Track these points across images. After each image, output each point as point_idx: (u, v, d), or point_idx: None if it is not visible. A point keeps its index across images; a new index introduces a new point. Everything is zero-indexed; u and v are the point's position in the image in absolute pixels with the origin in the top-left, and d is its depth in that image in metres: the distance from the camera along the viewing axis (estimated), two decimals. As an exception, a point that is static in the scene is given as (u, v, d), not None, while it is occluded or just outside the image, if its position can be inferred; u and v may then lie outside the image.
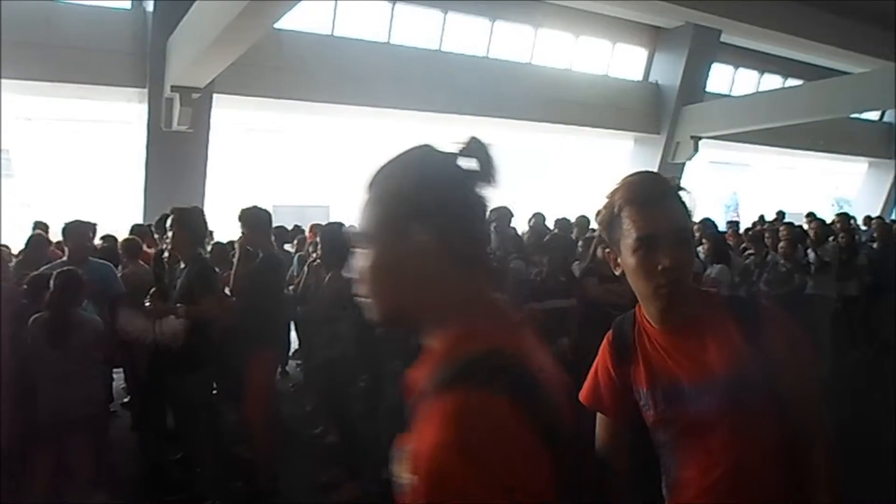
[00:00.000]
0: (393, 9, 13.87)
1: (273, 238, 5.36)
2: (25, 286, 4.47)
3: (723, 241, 6.92)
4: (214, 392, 4.95)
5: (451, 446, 0.90)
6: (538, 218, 7.75)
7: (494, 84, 14.30)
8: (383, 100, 13.17)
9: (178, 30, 9.86)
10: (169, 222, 4.44)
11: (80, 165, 13.61)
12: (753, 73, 19.44)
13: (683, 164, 16.64)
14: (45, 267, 4.77)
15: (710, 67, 17.24)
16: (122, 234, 6.87)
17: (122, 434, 5.54)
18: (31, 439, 3.93)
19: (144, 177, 11.46)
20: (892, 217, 18.50)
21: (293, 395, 6.85)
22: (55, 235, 6.00)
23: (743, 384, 1.57)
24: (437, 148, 1.14)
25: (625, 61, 17.25)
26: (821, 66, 17.97)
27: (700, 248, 6.36)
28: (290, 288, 6.07)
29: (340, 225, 5.26)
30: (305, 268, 5.88)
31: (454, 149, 1.14)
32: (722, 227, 9.33)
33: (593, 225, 7.78)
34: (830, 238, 8.34)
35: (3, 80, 10.10)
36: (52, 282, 3.98)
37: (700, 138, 16.48)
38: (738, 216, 18.84)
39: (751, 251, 7.93)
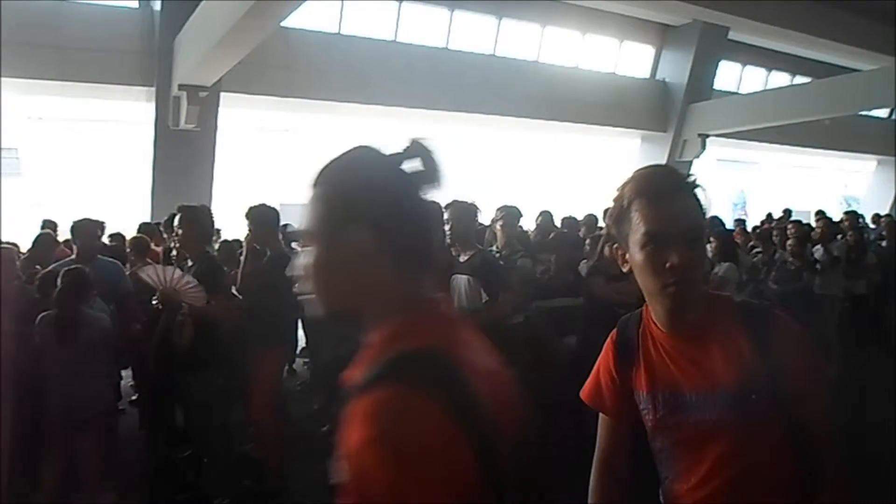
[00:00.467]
0: (400, 7, 13.88)
1: (281, 236, 5.36)
2: (38, 281, 4.48)
3: (731, 239, 6.90)
4: (222, 390, 4.96)
5: (372, 442, 0.92)
6: (545, 216, 7.74)
7: (501, 82, 14.30)
8: (390, 98, 13.18)
9: (186, 29, 9.88)
10: (177, 220, 4.45)
11: (89, 164, 13.64)
12: (761, 71, 19.39)
13: (691, 162, 16.58)
14: (54, 265, 4.80)
15: (717, 65, 17.20)
16: (129, 233, 6.90)
17: (130, 432, 5.56)
18: (40, 437, 3.94)
19: (152, 175, 11.50)
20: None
21: (301, 393, 6.86)
22: (64, 234, 6.02)
23: (747, 397, 1.50)
24: (378, 149, 1.16)
25: (632, 59, 17.23)
26: (829, 63, 17.89)
27: (708, 246, 6.34)
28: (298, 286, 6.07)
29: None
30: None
31: (396, 150, 1.16)
32: (729, 225, 9.31)
33: (601, 224, 7.78)
34: (839, 236, 8.30)
35: (13, 80, 10.17)
36: (59, 280, 4.00)
37: (708, 136, 16.44)
38: (745, 214, 18.78)
39: (759, 249, 7.90)
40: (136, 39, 11.17)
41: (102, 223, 5.59)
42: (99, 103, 12.80)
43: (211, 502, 4.35)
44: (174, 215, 4.68)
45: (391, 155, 1.16)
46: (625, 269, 1.66)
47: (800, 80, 18.91)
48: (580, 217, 8.57)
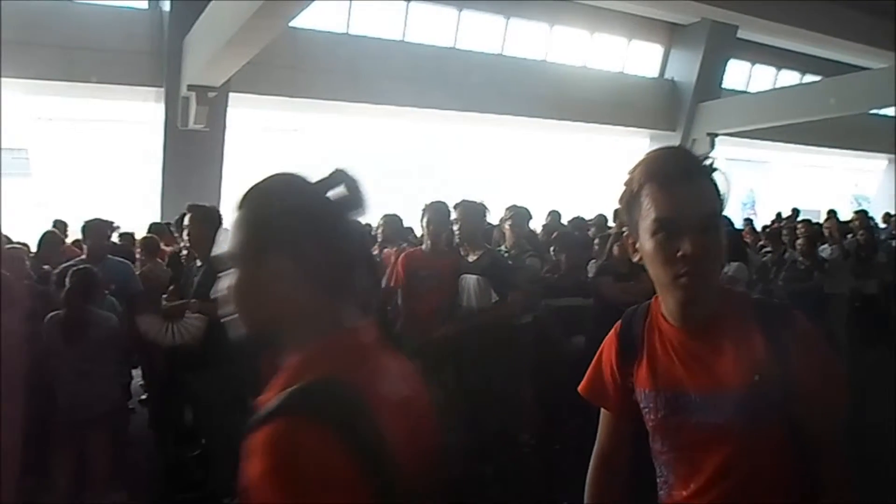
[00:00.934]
0: (408, 7, 13.89)
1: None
2: (55, 278, 4.50)
3: (740, 238, 6.87)
4: (231, 389, 4.97)
5: (268, 474, 0.94)
6: (554, 216, 7.74)
7: (509, 82, 14.28)
8: (398, 98, 13.20)
9: (195, 29, 9.91)
10: (186, 220, 4.46)
11: (98, 165, 13.71)
12: (770, 70, 19.29)
13: (700, 160, 16.49)
14: (64, 264, 4.82)
15: (726, 64, 17.14)
16: (139, 233, 6.92)
17: (139, 432, 5.58)
18: (49, 436, 3.96)
19: (161, 175, 11.54)
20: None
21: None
22: (74, 234, 6.04)
23: (757, 402, 1.40)
24: (303, 176, 1.19)
25: (640, 58, 17.19)
26: (839, 61, 17.79)
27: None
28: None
29: (357, 223, 5.26)
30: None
31: (320, 178, 1.18)
32: (738, 224, 9.27)
33: (611, 224, 7.76)
34: (849, 235, 8.26)
35: (22, 81, 10.24)
36: (67, 279, 4.02)
37: (717, 135, 16.37)
38: (754, 213, 18.70)
39: (768, 249, 7.87)
40: (145, 40, 11.22)
41: (112, 223, 5.61)
42: (108, 104, 12.86)
43: (220, 502, 4.36)
44: (184, 215, 4.69)
45: (316, 182, 1.18)
46: (635, 259, 1.54)
47: (809, 78, 18.81)
48: (588, 217, 8.55)
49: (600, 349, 1.72)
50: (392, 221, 6.24)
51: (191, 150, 11.28)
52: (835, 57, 17.79)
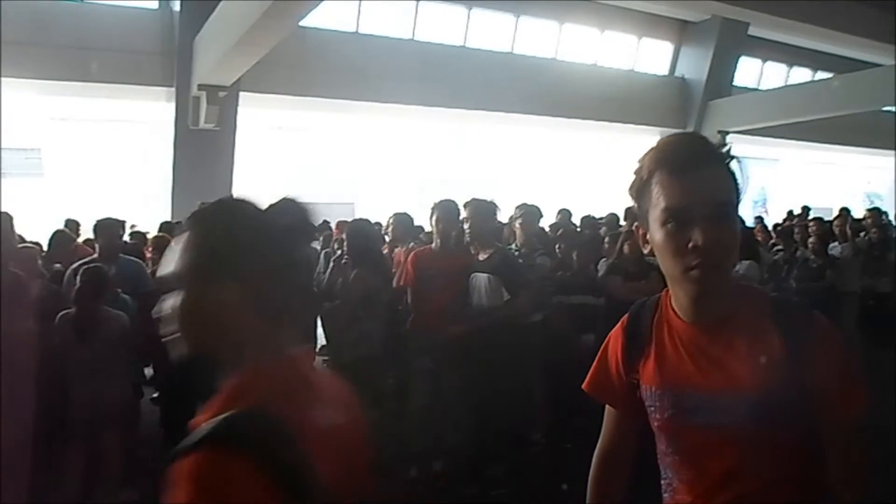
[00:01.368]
0: (417, 6, 13.90)
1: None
2: (67, 275, 4.53)
3: (751, 237, 6.84)
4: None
5: None
6: (564, 214, 7.73)
7: (519, 80, 14.26)
8: (408, 97, 13.22)
9: (205, 29, 9.95)
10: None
11: (110, 164, 13.78)
12: (782, 67, 19.19)
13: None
14: (77, 263, 4.84)
15: (737, 61, 17.07)
16: (150, 232, 6.96)
17: (150, 430, 5.60)
18: (60, 435, 3.98)
19: (172, 175, 11.60)
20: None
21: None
22: (86, 233, 6.07)
23: (770, 406, 1.32)
24: (252, 203, 1.21)
25: (651, 56, 17.15)
26: (851, 58, 17.65)
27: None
28: (316, 284, 6.09)
29: (367, 222, 5.28)
30: (331, 264, 5.90)
31: (269, 204, 1.20)
32: (749, 222, 9.23)
33: (622, 222, 7.74)
34: (862, 233, 8.20)
35: (34, 81, 10.32)
36: (78, 278, 4.04)
37: (728, 133, 16.28)
38: (765, 212, 18.60)
39: (780, 247, 7.83)
40: (155, 40, 11.27)
41: (124, 222, 5.64)
42: (119, 103, 12.93)
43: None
44: (195, 214, 4.70)
45: (265, 209, 1.20)
46: (646, 251, 1.46)
47: (821, 75, 18.70)
48: (598, 215, 8.53)
49: (605, 343, 1.66)
50: (402, 220, 6.24)
51: (201, 149, 11.32)
52: (847, 53, 17.65)
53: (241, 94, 11.39)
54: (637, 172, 1.44)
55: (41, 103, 12.63)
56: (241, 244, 1.14)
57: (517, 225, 5.59)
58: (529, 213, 5.58)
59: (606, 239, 6.39)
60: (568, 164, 18.36)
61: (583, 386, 1.67)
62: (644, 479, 1.65)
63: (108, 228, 5.14)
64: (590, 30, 16.12)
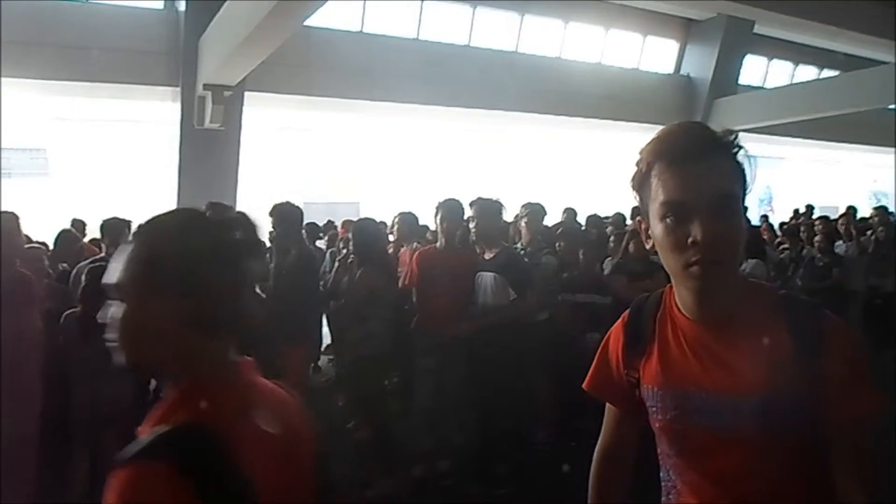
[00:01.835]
0: (422, 5, 13.88)
1: (305, 234, 5.39)
2: (73, 275, 4.54)
3: (758, 235, 6.83)
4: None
5: None
6: (569, 213, 7.72)
7: (524, 79, 14.23)
8: (412, 96, 13.20)
9: (210, 29, 9.95)
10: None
11: (115, 164, 13.82)
12: (788, 65, 19.13)
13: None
14: (83, 262, 4.86)
15: (742, 59, 17.01)
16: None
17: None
18: (66, 434, 3.99)
19: (177, 175, 11.60)
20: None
21: (326, 389, 6.90)
22: (92, 232, 6.08)
23: (778, 407, 1.26)
24: (201, 215, 1.21)
25: (656, 54, 17.09)
26: (858, 56, 17.60)
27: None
28: (322, 283, 6.11)
29: (373, 221, 5.28)
30: (336, 263, 5.91)
31: (218, 218, 1.20)
32: (755, 221, 9.21)
33: (628, 222, 7.73)
34: (868, 232, 8.18)
35: (39, 82, 10.35)
36: (83, 277, 4.04)
37: (733, 132, 16.23)
38: (771, 210, 18.57)
39: (786, 246, 7.81)
40: (160, 40, 11.27)
41: (130, 222, 5.65)
42: (124, 103, 12.94)
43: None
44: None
45: (211, 222, 1.20)
46: (648, 246, 1.39)
47: (828, 73, 18.65)
48: (603, 215, 8.53)
49: (604, 340, 1.60)
50: (407, 219, 6.25)
51: (207, 149, 11.32)
52: (853, 51, 17.61)
53: (247, 93, 11.38)
54: (637, 164, 1.38)
55: (47, 103, 12.66)
56: (185, 259, 1.14)
57: (523, 224, 5.58)
58: (535, 212, 5.58)
59: (612, 238, 6.39)
60: (573, 164, 18.34)
61: (583, 386, 1.62)
62: (645, 477, 1.62)
63: (115, 228, 5.17)
64: (594, 28, 16.08)
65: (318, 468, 1.27)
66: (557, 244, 5.67)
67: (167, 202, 11.67)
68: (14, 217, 3.77)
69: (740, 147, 1.34)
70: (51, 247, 6.25)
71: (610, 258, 5.96)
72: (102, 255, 5.06)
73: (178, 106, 11.37)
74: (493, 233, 4.75)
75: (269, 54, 8.98)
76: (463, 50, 14.35)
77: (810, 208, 11.96)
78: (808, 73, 19.20)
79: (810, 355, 1.27)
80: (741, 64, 17.03)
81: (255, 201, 9.35)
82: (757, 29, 16.09)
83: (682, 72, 17.26)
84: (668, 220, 1.29)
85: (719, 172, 1.28)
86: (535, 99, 14.32)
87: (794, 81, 18.73)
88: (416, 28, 13.92)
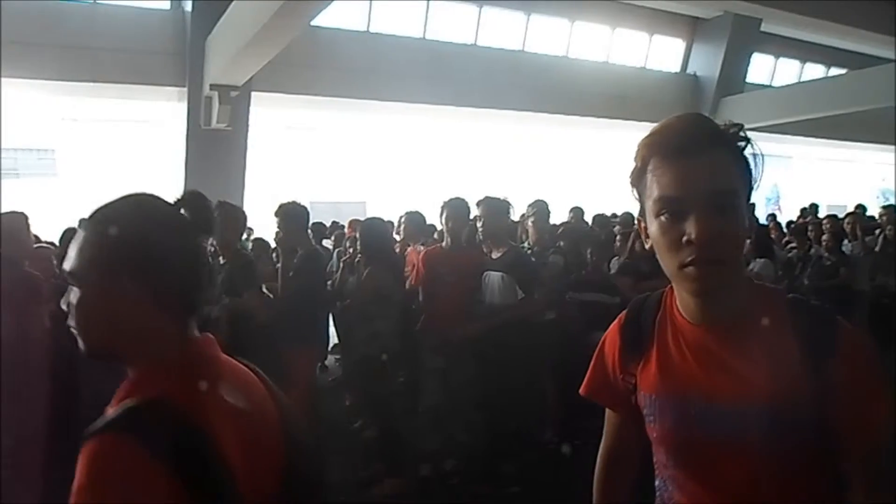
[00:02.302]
0: (428, 5, 13.89)
1: (311, 234, 5.39)
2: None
3: (766, 234, 6.80)
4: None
5: (82, 490, 0.98)
6: (577, 213, 7.71)
7: (530, 78, 14.24)
8: (418, 96, 13.21)
9: (217, 29, 9.98)
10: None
11: (123, 164, 13.86)
12: (795, 63, 19.05)
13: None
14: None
15: (750, 58, 16.96)
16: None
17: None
18: (72, 433, 3.99)
19: (184, 175, 11.64)
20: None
21: (333, 389, 6.90)
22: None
23: (784, 417, 1.18)
24: (153, 198, 1.23)
25: (662, 53, 17.06)
26: (865, 54, 17.53)
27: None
28: (329, 283, 6.11)
29: (380, 220, 5.28)
30: (342, 262, 5.91)
31: (171, 200, 1.23)
32: (762, 220, 9.17)
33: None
34: (877, 231, 8.13)
35: (47, 82, 10.39)
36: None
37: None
38: (778, 209, 18.49)
39: (793, 245, 7.78)
40: (167, 40, 11.31)
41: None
42: (131, 104, 12.99)
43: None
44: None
45: (164, 204, 1.23)
46: (647, 245, 1.31)
47: (835, 71, 18.58)
48: (610, 214, 8.51)
49: (601, 343, 1.53)
50: (414, 219, 6.24)
51: (213, 149, 11.36)
52: (861, 49, 17.53)
53: (253, 93, 11.42)
54: (634, 159, 1.30)
55: (54, 104, 12.71)
56: (140, 242, 1.15)
57: (530, 223, 5.57)
58: (542, 211, 5.56)
59: (618, 237, 6.38)
60: (579, 163, 18.31)
61: (580, 392, 1.55)
62: (650, 477, 1.55)
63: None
64: (601, 27, 16.06)
65: (287, 447, 1.25)
66: (558, 243, 5.66)
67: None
68: (23, 217, 3.78)
69: (746, 140, 1.26)
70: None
71: (616, 257, 5.94)
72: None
73: (184, 106, 11.41)
74: (500, 232, 4.74)
75: (276, 54, 9.01)
76: (469, 49, 14.35)
77: (814, 207, 11.91)
78: (815, 71, 19.12)
79: (820, 363, 1.19)
80: (748, 62, 16.98)
81: (261, 201, 9.34)
82: (764, 27, 16.04)
83: (689, 70, 17.23)
84: (662, 217, 1.21)
85: (718, 167, 1.20)
86: (541, 98, 14.31)
87: (802, 80, 18.66)
88: (422, 28, 13.93)
